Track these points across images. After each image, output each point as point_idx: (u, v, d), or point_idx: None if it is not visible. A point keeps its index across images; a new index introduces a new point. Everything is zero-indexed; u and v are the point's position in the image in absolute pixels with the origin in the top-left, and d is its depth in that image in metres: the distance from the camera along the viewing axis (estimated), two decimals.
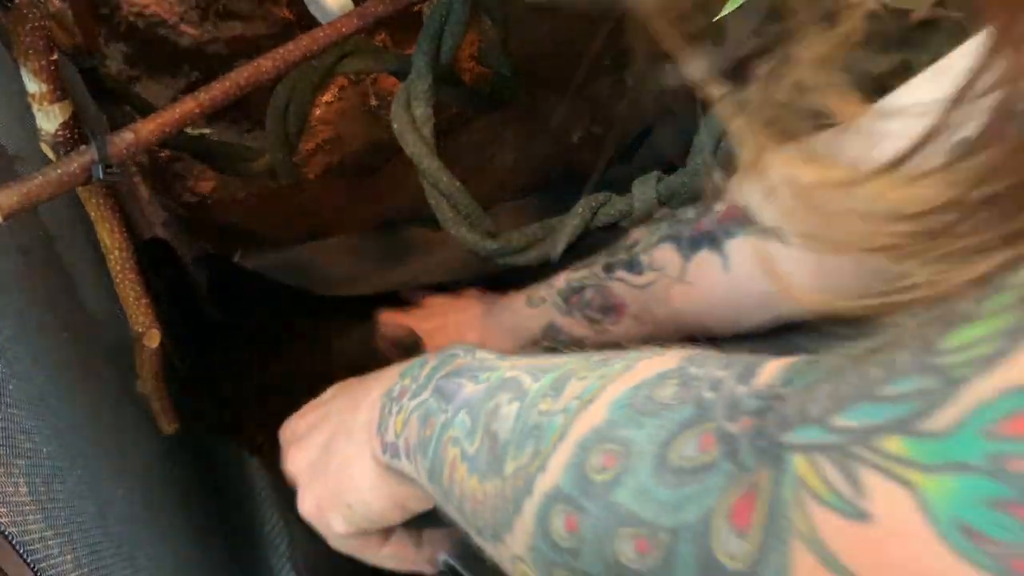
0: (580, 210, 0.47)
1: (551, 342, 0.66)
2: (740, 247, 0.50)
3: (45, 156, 0.40)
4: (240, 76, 0.43)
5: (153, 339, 0.48)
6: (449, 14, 0.45)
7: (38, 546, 0.34)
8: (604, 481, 0.31)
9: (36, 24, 0.36)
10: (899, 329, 0.24)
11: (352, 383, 0.58)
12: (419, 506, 0.50)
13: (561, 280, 0.62)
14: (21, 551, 0.33)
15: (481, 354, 0.45)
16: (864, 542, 0.23)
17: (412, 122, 0.45)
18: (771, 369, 0.29)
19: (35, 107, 0.39)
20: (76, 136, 0.40)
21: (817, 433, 0.24)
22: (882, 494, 0.22)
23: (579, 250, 0.56)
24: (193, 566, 0.56)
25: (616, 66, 0.69)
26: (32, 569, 0.33)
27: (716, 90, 0.25)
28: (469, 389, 0.41)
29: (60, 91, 0.38)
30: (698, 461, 0.29)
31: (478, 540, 0.40)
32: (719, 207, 0.50)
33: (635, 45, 0.24)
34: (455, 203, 0.45)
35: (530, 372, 0.39)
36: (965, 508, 0.21)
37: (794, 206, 0.25)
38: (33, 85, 0.38)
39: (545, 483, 0.34)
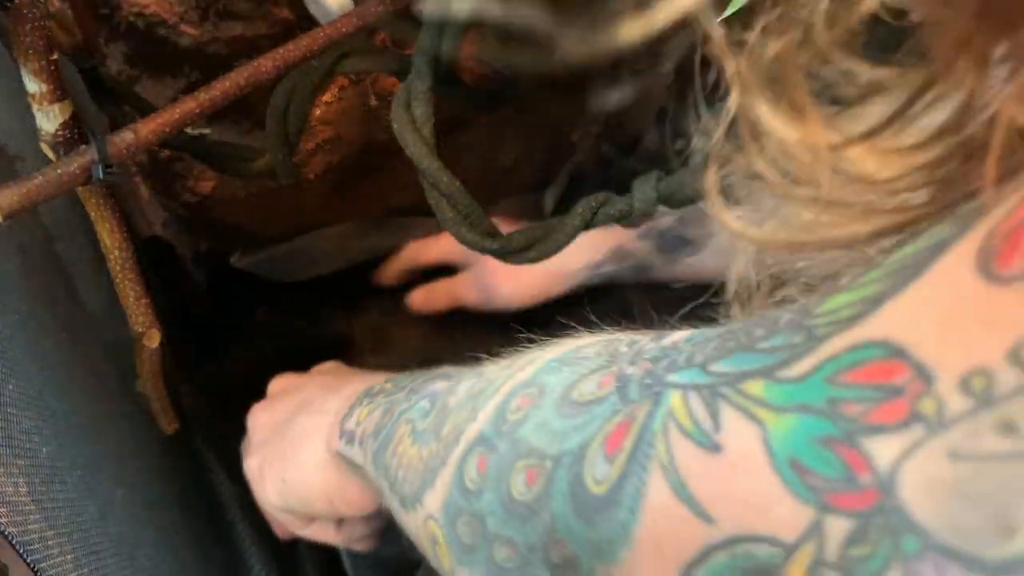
0: (580, 210, 0.47)
1: (614, 265, 0.64)
2: None
3: (45, 156, 0.40)
4: (240, 76, 0.43)
5: (153, 339, 0.48)
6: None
7: (38, 546, 0.34)
8: (515, 420, 0.32)
9: (36, 24, 0.36)
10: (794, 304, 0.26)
11: (345, 368, 0.59)
12: (345, 508, 0.51)
13: None
14: (21, 551, 0.33)
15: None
16: (711, 472, 0.24)
17: (412, 122, 0.44)
18: (683, 332, 0.31)
19: (35, 107, 0.39)
20: (76, 136, 0.40)
21: (696, 375, 0.26)
22: (735, 429, 0.24)
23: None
24: (193, 566, 0.56)
25: (616, 64, 0.69)
26: (32, 569, 0.33)
27: (715, 30, 0.26)
28: (439, 385, 0.42)
29: (60, 91, 0.38)
30: (593, 396, 0.30)
31: (399, 515, 0.40)
32: None
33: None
34: (455, 203, 0.45)
35: (496, 363, 0.40)
36: (798, 444, 0.22)
37: (775, 157, 0.27)
38: (33, 85, 0.38)
39: (471, 432, 0.35)
